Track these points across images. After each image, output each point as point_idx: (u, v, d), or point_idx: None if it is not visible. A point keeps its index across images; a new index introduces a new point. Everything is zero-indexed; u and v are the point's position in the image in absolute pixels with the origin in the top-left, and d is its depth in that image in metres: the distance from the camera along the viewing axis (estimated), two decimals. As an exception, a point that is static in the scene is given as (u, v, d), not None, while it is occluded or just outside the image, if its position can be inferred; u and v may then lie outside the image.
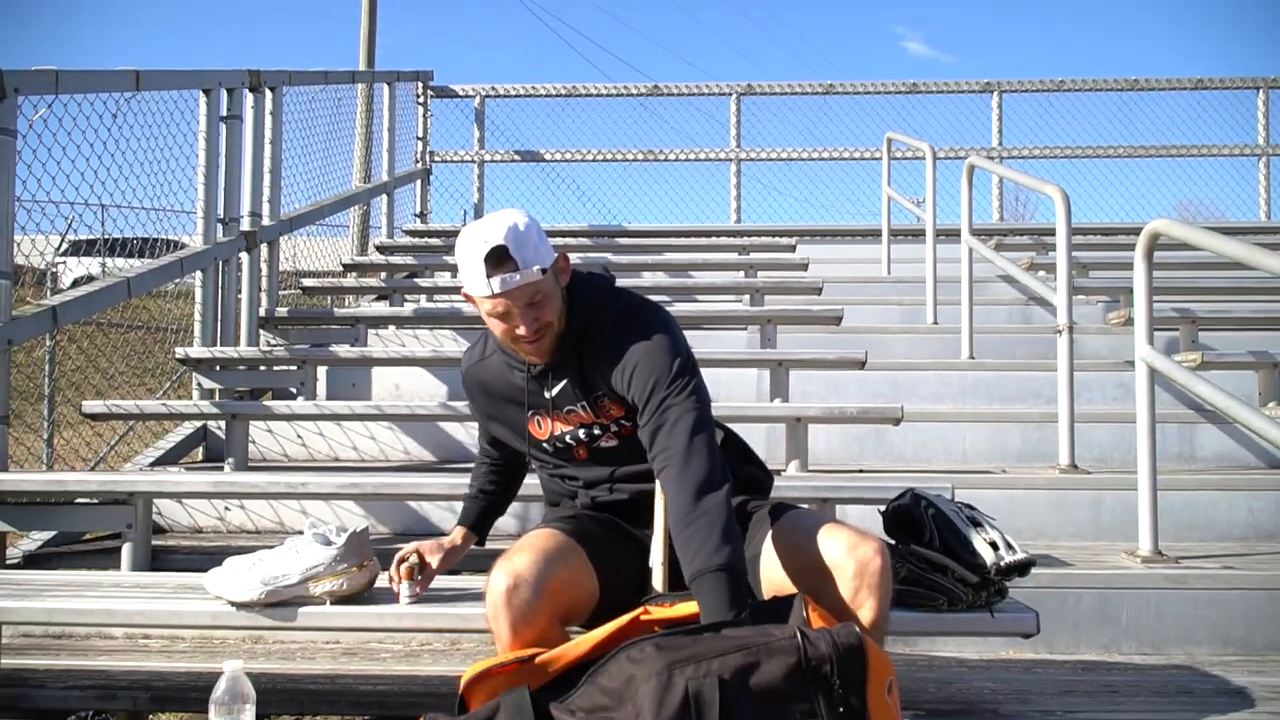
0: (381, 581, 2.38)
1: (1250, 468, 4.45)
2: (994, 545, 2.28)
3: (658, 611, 1.86)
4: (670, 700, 1.61)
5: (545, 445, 2.23)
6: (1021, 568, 2.30)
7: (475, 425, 2.66)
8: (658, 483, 2.08)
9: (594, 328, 2.12)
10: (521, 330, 2.05)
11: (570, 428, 2.19)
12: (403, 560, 2.31)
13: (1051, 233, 5.20)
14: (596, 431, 2.18)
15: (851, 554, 1.94)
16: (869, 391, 4.81)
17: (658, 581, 2.05)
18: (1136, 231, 3.47)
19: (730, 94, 9.13)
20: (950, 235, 6.01)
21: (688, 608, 1.85)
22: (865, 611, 1.92)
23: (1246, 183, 9.02)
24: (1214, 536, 3.86)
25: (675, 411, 1.99)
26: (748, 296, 5.93)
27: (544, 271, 2.03)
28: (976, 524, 2.33)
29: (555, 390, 2.16)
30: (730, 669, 1.63)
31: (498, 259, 1.99)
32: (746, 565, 1.96)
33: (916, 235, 7.32)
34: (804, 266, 6.71)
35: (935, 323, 5.82)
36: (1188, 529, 3.85)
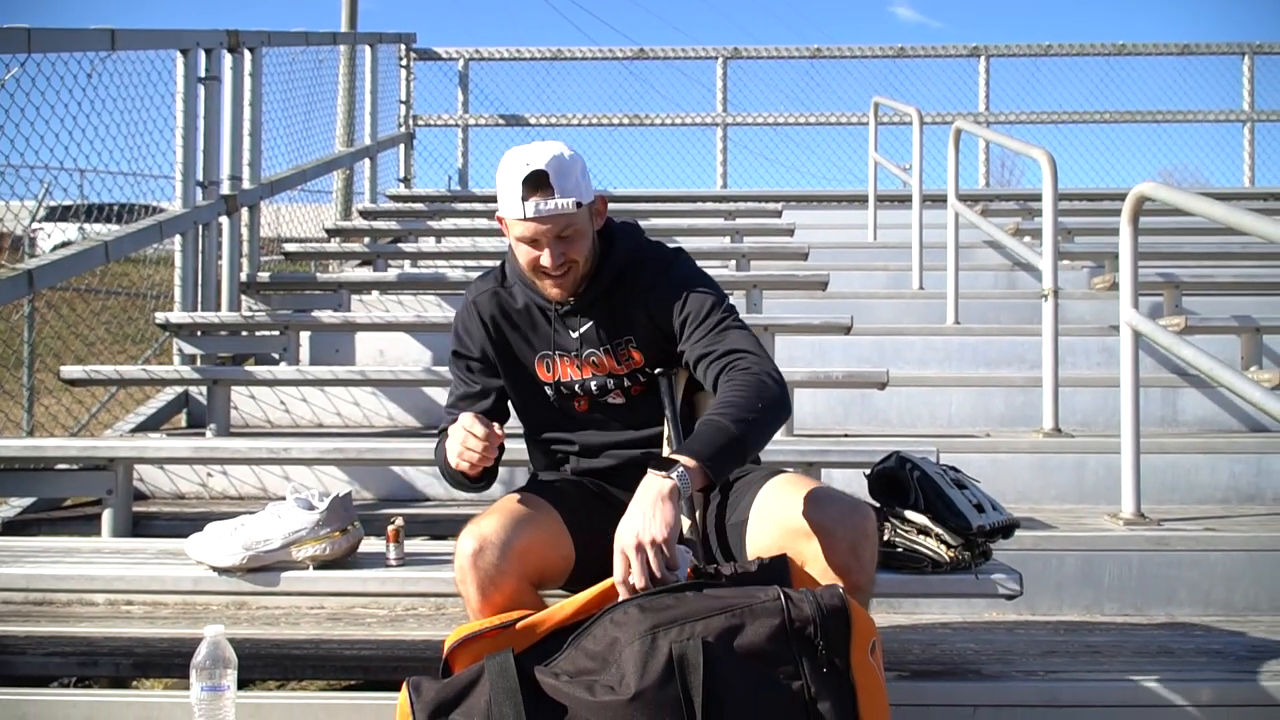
0: (366, 546, 2.36)
1: (1231, 431, 4.48)
2: (978, 507, 2.28)
3: None
4: (654, 663, 1.60)
5: (548, 389, 2.18)
6: (1005, 530, 2.30)
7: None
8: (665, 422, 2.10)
9: (632, 269, 2.11)
10: (546, 261, 2.02)
11: (583, 376, 2.15)
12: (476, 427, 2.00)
13: (1037, 198, 5.19)
14: (610, 385, 2.15)
15: (837, 517, 1.93)
16: (854, 356, 4.81)
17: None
18: (1122, 197, 3.46)
19: (717, 58, 9.05)
20: (937, 200, 5.99)
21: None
22: (851, 574, 1.91)
23: (1231, 148, 9.03)
24: (1196, 499, 3.89)
25: (736, 333, 2.04)
26: (734, 262, 5.91)
27: (579, 206, 2.00)
28: (961, 486, 2.33)
29: (579, 331, 2.13)
30: (714, 631, 1.63)
31: (536, 183, 1.95)
32: (748, 466, 1.98)
33: (903, 200, 7.30)
34: (790, 232, 6.68)
35: (921, 288, 5.82)
36: (1170, 492, 3.88)
